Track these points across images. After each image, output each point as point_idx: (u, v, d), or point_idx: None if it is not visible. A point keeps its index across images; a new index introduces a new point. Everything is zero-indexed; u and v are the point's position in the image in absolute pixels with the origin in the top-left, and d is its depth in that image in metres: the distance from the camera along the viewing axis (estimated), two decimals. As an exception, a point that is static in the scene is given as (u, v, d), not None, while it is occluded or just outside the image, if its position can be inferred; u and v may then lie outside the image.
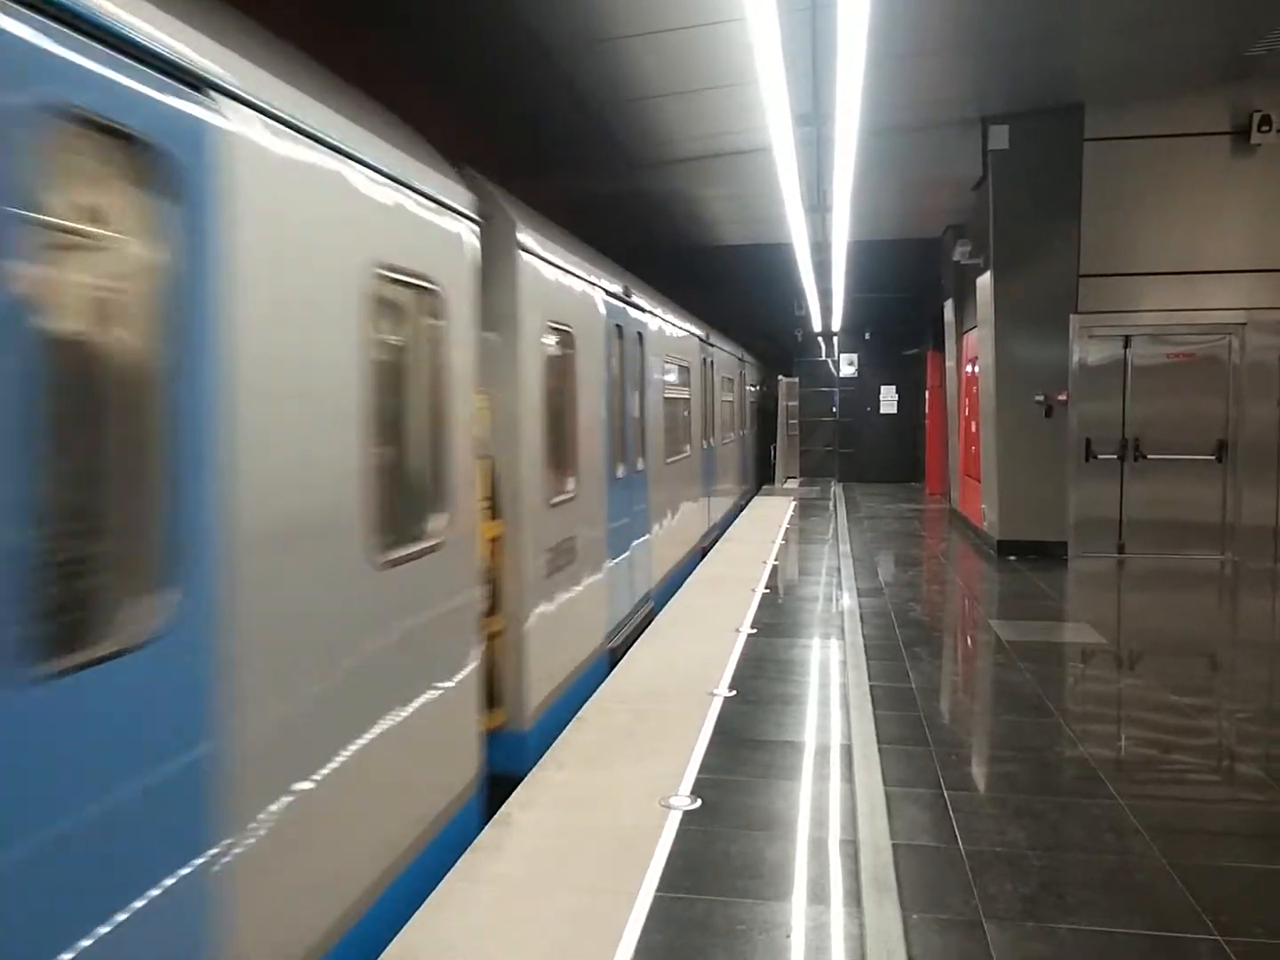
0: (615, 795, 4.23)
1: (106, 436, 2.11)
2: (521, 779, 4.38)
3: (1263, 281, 10.60)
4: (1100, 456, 10.93)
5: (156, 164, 2.11)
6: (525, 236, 5.06)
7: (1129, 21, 7.92)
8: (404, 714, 3.30)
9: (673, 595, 8.72)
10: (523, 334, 4.98)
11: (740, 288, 19.19)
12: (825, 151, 8.52)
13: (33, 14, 1.78)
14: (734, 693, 5.76)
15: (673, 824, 3.95)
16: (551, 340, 5.62)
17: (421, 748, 3.50)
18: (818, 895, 3.41)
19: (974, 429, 13.00)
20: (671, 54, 7.94)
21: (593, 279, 6.51)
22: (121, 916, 1.97)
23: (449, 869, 3.51)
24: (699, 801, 4.18)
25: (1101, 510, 10.97)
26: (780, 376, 23.27)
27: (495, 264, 4.72)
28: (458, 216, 3.97)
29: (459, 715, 3.89)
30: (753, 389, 20.80)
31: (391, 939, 3.05)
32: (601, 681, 6.04)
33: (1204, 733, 5.50)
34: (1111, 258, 10.79)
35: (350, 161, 3.00)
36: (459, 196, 4.02)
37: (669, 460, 9.48)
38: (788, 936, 3.14)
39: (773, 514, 15.63)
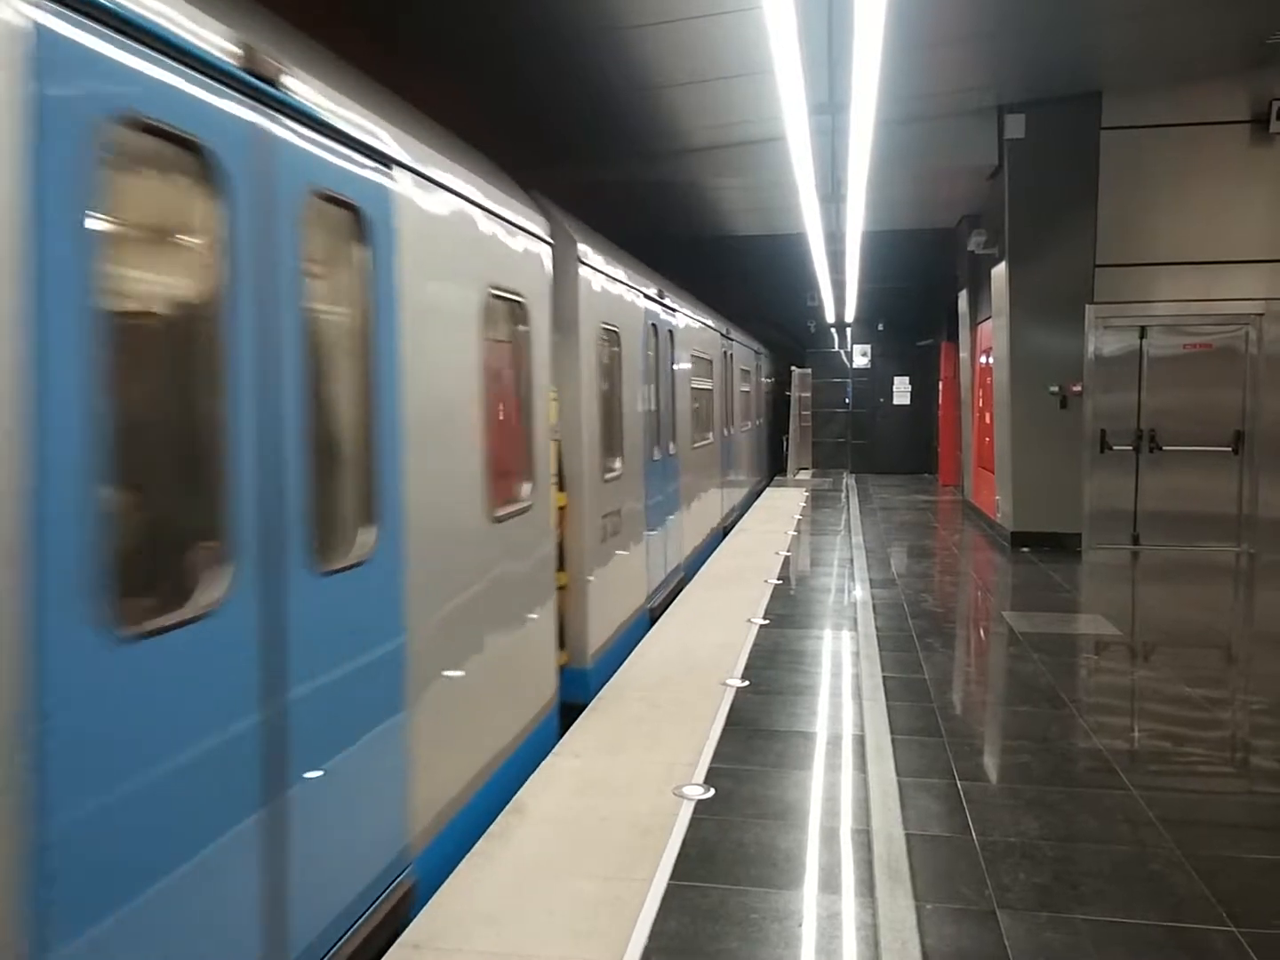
0: (629, 783, 4.25)
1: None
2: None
3: (1281, 272, 10.53)
4: (1115, 448, 10.87)
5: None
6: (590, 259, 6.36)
7: (1147, 8, 7.86)
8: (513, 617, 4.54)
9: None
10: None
11: (754, 278, 19.13)
12: (840, 141, 8.47)
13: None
14: (747, 683, 5.78)
15: (686, 812, 3.97)
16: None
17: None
18: (830, 884, 3.42)
19: (988, 420, 12.95)
20: (686, 43, 7.91)
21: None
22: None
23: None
24: (712, 790, 4.20)
25: (1116, 502, 10.92)
26: (793, 367, 23.21)
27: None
28: (536, 240, 4.82)
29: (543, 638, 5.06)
30: (768, 381, 21.10)
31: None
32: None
33: (1218, 725, 5.48)
34: (1128, 247, 10.71)
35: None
36: (538, 223, 4.86)
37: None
38: (800, 925, 3.15)
39: (785, 505, 15.62)
